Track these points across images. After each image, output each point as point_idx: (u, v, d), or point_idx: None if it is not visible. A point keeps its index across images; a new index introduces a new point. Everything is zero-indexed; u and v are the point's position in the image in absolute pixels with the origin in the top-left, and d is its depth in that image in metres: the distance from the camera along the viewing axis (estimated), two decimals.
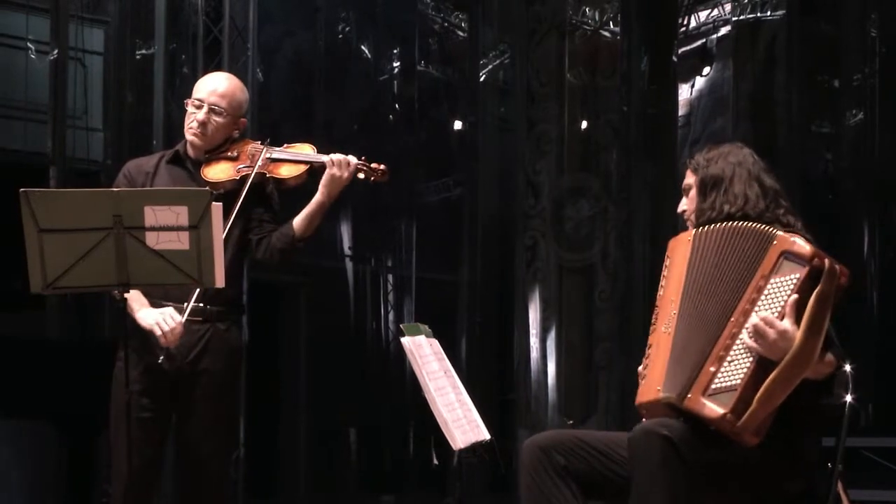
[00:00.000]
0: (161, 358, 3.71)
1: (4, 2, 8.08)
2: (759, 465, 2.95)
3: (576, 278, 8.47)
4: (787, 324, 2.88)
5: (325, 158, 3.95)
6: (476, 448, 3.83)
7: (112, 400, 3.85)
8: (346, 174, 3.92)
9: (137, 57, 8.10)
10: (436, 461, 9.99)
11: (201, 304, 3.84)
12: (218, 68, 6.81)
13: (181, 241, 3.33)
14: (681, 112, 9.57)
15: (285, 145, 4.06)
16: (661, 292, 3.16)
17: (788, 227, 3.12)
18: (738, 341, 2.95)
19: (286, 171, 3.95)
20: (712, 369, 2.95)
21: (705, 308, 3.03)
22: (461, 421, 3.77)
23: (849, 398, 2.99)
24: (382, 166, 4.00)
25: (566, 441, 3.17)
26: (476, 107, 10.48)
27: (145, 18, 7.85)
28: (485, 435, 3.87)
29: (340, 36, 10.30)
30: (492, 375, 9.79)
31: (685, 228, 3.33)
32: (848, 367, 3.00)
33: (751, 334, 2.91)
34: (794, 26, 9.31)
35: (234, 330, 4.00)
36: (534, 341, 8.48)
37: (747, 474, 2.97)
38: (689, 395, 2.95)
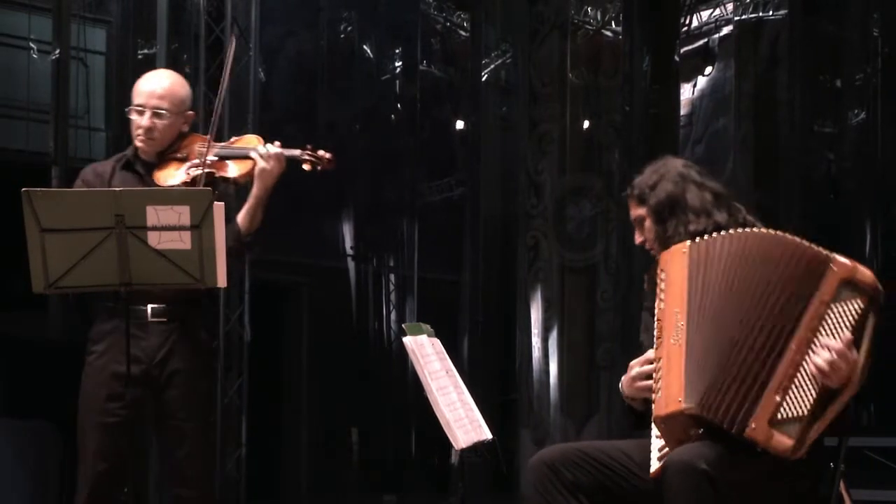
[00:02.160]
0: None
1: (7, 1, 8.07)
2: (778, 472, 2.94)
3: (578, 278, 8.46)
4: (856, 354, 2.90)
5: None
6: (478, 447, 3.82)
7: (81, 404, 3.79)
8: (276, 166, 3.84)
9: (139, 57, 8.11)
10: (437, 461, 9.99)
11: (164, 305, 3.79)
12: (220, 68, 6.81)
13: (183, 241, 3.33)
14: (683, 112, 9.56)
15: (233, 139, 4.02)
16: (661, 306, 3.06)
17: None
18: (801, 369, 2.91)
19: (234, 171, 3.89)
20: (777, 398, 2.89)
21: (728, 316, 2.96)
22: (463, 420, 3.76)
23: None
24: (328, 155, 3.93)
25: (572, 456, 3.15)
26: (478, 107, 10.47)
27: (147, 18, 7.85)
28: (487, 434, 3.86)
29: (342, 36, 10.30)
30: (493, 375, 9.78)
31: None
32: None
33: (826, 366, 2.87)
34: (796, 26, 9.30)
35: (201, 328, 3.94)
36: (535, 341, 8.48)
37: (768, 482, 2.96)
38: (752, 425, 2.88)
